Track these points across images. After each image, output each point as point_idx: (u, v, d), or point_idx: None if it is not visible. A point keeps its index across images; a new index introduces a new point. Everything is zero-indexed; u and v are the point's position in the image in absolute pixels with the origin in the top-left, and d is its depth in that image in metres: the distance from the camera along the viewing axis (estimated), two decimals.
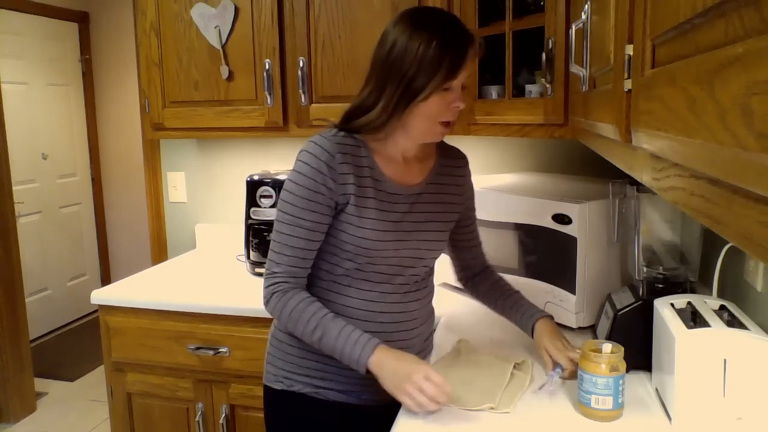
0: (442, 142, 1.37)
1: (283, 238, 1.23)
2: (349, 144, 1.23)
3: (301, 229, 1.22)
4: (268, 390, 1.39)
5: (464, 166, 1.43)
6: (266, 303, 1.26)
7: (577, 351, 1.23)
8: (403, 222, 1.27)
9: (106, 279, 4.77)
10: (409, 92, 1.17)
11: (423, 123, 1.21)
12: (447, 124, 1.23)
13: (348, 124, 1.24)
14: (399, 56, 1.16)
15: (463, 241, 1.48)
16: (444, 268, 1.59)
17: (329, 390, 1.31)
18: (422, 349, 1.39)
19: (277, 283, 1.24)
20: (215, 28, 2.05)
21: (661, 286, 1.36)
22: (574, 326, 1.54)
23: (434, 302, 1.45)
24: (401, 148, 1.28)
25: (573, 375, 1.23)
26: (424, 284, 1.37)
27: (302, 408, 1.34)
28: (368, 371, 1.17)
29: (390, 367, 1.16)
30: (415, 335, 1.34)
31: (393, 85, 1.18)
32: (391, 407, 1.29)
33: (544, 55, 1.63)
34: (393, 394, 1.15)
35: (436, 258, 1.38)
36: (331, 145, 1.21)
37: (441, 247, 1.37)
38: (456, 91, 1.19)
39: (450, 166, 1.38)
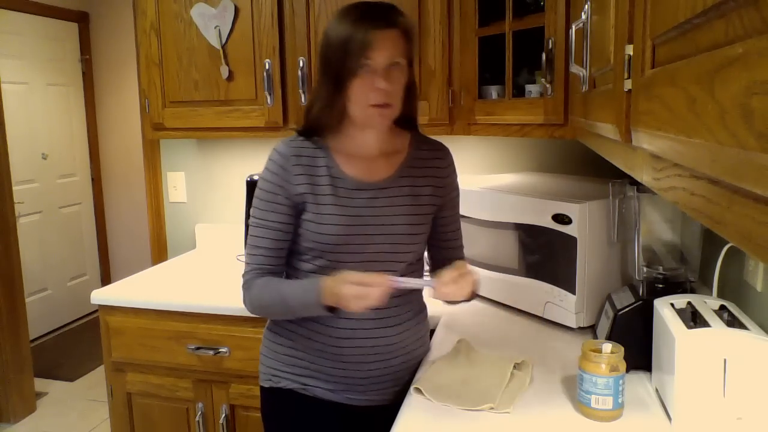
0: (421, 135, 1.40)
1: (252, 239, 1.32)
2: (306, 146, 1.30)
3: (266, 229, 1.30)
4: (261, 390, 1.42)
5: (443, 158, 1.40)
6: (244, 302, 1.34)
7: (464, 273, 1.22)
8: (365, 216, 1.28)
9: (106, 279, 4.77)
10: (335, 78, 1.22)
11: (355, 108, 1.24)
12: (382, 107, 1.23)
13: (305, 127, 1.32)
14: (325, 46, 1.25)
15: (442, 241, 1.44)
16: None
17: (316, 387, 1.34)
18: (414, 348, 1.39)
19: (246, 280, 1.32)
20: (215, 28, 2.05)
21: (661, 286, 1.36)
22: (574, 326, 1.54)
23: (435, 303, 1.44)
24: (359, 142, 1.31)
25: (442, 295, 1.22)
26: None
27: (290, 403, 1.36)
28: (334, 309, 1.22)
29: (329, 293, 1.19)
30: (397, 332, 1.33)
31: (325, 76, 1.25)
32: (380, 410, 1.31)
33: (544, 55, 1.63)
34: (350, 310, 1.19)
35: (411, 253, 1.35)
36: (287, 149, 1.30)
37: (414, 241, 1.34)
38: (377, 72, 1.20)
39: (424, 159, 1.37)
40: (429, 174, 1.36)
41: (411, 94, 1.33)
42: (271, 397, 1.39)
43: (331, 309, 1.22)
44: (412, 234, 1.33)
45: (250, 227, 1.33)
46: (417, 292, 1.42)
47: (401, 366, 1.36)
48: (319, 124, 1.29)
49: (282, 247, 1.31)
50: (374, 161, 1.32)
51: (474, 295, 1.32)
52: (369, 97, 1.22)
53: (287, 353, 1.35)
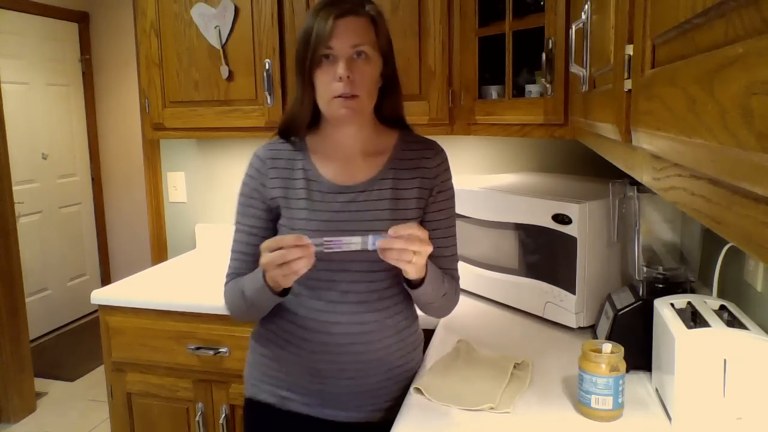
0: (412, 134, 1.32)
1: (233, 244, 1.30)
2: (285, 149, 1.27)
3: (242, 234, 1.28)
4: (244, 400, 1.37)
5: (431, 157, 1.28)
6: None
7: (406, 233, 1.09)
8: (341, 221, 1.21)
9: (106, 279, 4.77)
10: (302, 72, 1.20)
11: (321, 102, 1.20)
12: (346, 98, 1.17)
13: (280, 127, 1.29)
14: (297, 42, 1.22)
15: None
16: None
17: (292, 401, 1.28)
18: (399, 365, 1.30)
19: (224, 284, 1.31)
20: (215, 28, 2.05)
21: (661, 286, 1.36)
22: (574, 326, 1.54)
23: None
24: (336, 141, 1.26)
25: (384, 248, 1.09)
26: (388, 294, 1.26)
27: (268, 419, 1.31)
28: (282, 294, 1.19)
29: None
30: (376, 348, 1.25)
31: (296, 72, 1.23)
32: (358, 426, 1.27)
33: (544, 55, 1.63)
34: (279, 283, 1.14)
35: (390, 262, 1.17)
36: (264, 152, 1.28)
37: None
38: (338, 61, 1.16)
39: (411, 159, 1.27)
40: (415, 175, 1.26)
41: (391, 89, 1.27)
42: (251, 409, 1.34)
43: (284, 293, 1.18)
44: None
45: (234, 232, 1.32)
46: (399, 308, 1.29)
47: (382, 384, 1.27)
48: (294, 123, 1.26)
49: (257, 253, 1.20)
50: (354, 162, 1.26)
51: (419, 283, 1.19)
52: (332, 88, 1.17)
53: (266, 363, 1.31)
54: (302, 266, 1.08)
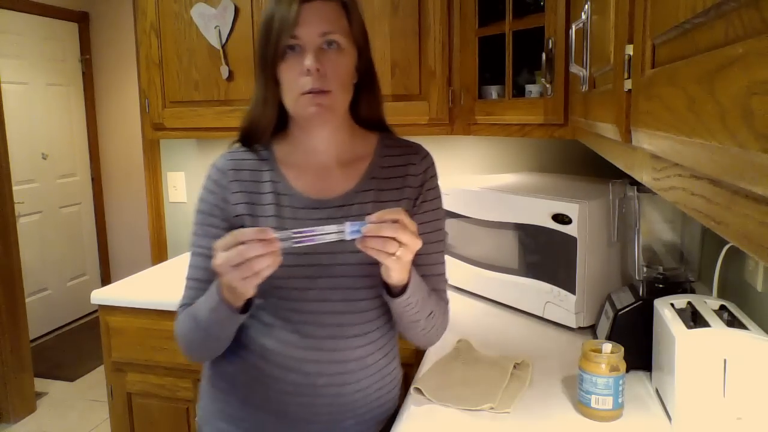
0: (392, 137, 1.17)
1: (187, 271, 1.14)
2: (248, 159, 1.12)
3: (199, 257, 1.10)
4: None
5: (417, 162, 1.13)
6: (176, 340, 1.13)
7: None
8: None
9: (106, 279, 4.77)
10: (264, 67, 1.05)
11: (287, 100, 1.05)
12: (315, 94, 1.01)
13: (242, 133, 1.13)
14: (258, 34, 1.08)
15: (413, 266, 1.03)
16: None
17: None
18: (376, 406, 1.15)
19: (176, 319, 1.14)
20: (215, 28, 2.05)
21: (661, 286, 1.36)
22: (574, 326, 1.54)
23: None
24: (308, 148, 1.11)
25: (367, 237, 0.92)
26: (370, 328, 1.11)
27: None
28: (244, 311, 1.02)
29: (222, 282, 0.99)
30: (353, 390, 1.10)
31: (257, 68, 1.08)
32: None
33: (544, 55, 1.63)
34: (238, 290, 0.95)
35: (379, 286, 1.05)
36: (224, 162, 1.12)
37: (379, 272, 1.00)
38: (306, 52, 1.01)
39: (394, 165, 1.12)
40: (401, 185, 1.11)
41: (368, 86, 1.12)
42: None
43: (245, 309, 1.02)
44: (376, 264, 0.98)
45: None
46: (380, 343, 1.14)
47: (355, 428, 1.13)
48: (257, 128, 1.10)
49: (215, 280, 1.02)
50: (330, 172, 1.10)
51: (400, 291, 1.03)
52: (299, 84, 1.01)
53: (224, 399, 1.15)
54: (265, 265, 0.89)
